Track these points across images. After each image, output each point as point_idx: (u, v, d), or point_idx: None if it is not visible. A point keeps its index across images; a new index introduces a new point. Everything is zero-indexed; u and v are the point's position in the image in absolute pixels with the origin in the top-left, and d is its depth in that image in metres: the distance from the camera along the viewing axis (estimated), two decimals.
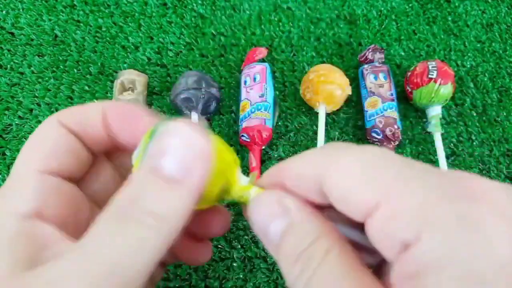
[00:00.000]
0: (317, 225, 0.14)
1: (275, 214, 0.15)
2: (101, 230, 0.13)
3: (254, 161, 0.39)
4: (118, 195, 0.14)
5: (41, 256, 0.13)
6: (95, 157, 0.18)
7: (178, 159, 0.14)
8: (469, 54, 0.47)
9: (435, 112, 0.40)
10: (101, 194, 0.18)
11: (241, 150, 0.41)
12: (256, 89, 0.41)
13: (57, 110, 0.42)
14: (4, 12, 0.47)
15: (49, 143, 0.16)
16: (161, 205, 0.14)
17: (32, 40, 0.46)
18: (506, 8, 0.51)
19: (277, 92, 0.44)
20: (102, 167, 0.19)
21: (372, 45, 0.44)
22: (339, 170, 0.13)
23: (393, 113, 0.40)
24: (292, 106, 0.43)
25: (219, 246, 0.36)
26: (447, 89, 0.40)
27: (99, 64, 0.45)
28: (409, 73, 0.42)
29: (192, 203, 0.15)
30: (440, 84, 0.39)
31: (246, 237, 0.36)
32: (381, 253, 0.13)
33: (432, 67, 0.40)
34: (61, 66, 0.44)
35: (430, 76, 0.40)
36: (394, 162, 0.13)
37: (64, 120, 0.16)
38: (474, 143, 0.42)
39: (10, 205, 0.14)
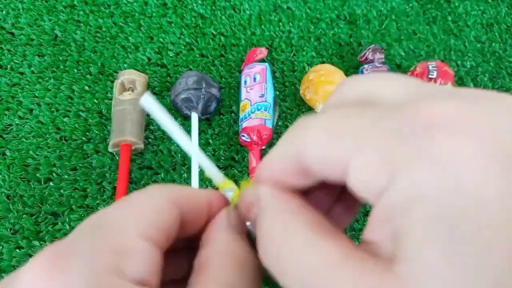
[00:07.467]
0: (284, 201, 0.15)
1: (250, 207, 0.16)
2: None
3: (254, 161, 0.39)
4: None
5: None
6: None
7: None
8: (469, 54, 0.47)
9: None
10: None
11: (241, 150, 0.41)
12: (256, 89, 0.41)
13: (57, 110, 0.42)
14: (4, 12, 0.47)
15: (160, 217, 0.16)
16: None
17: (32, 40, 0.46)
18: (506, 8, 0.51)
19: (277, 92, 0.44)
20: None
21: (372, 45, 0.44)
22: (308, 138, 0.14)
23: None
24: (292, 106, 0.43)
25: None
26: None
27: (99, 64, 0.45)
28: (409, 73, 0.42)
29: None
30: (440, 84, 0.39)
31: None
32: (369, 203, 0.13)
33: (432, 67, 0.40)
34: (61, 66, 0.44)
35: (430, 76, 0.40)
36: (354, 117, 0.13)
37: (177, 201, 0.17)
38: None
39: (129, 273, 0.14)
